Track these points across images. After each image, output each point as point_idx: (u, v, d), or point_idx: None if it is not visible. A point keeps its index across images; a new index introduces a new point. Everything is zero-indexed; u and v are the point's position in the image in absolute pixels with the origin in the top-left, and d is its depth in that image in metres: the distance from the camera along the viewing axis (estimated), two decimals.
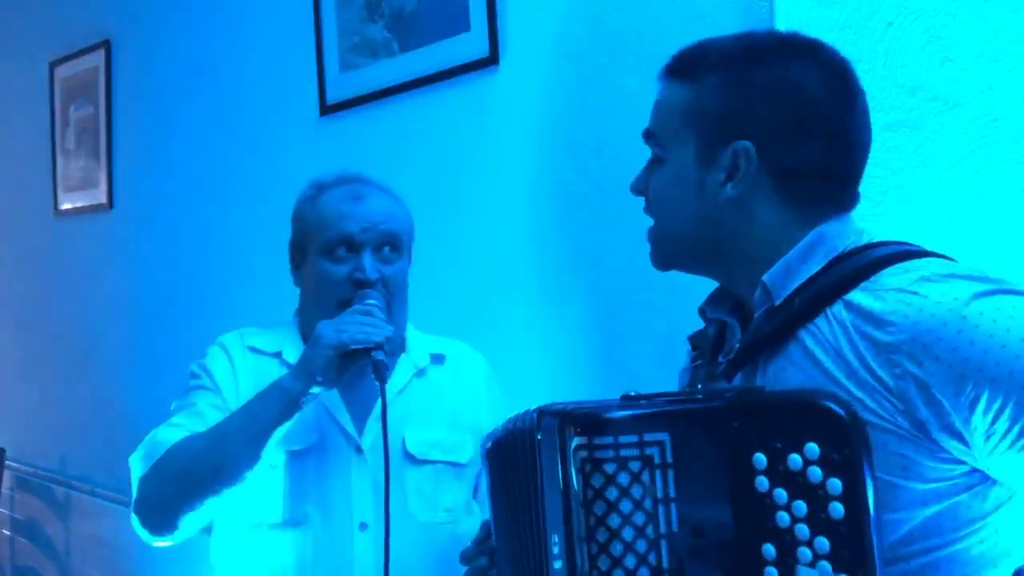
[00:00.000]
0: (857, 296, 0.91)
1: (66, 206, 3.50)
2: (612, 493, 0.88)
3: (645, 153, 1.10)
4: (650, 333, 1.72)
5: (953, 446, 0.87)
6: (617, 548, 0.87)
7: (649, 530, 0.87)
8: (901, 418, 0.87)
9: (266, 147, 2.61)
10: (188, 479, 1.38)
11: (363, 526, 1.42)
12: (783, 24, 1.53)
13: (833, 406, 0.84)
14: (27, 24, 3.77)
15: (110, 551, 3.18)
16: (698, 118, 1.02)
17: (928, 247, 0.97)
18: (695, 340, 1.15)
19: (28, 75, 3.70)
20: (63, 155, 3.50)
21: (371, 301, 1.40)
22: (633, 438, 0.88)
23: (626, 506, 0.88)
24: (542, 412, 0.96)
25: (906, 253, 0.94)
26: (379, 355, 1.32)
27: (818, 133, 0.99)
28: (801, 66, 1.01)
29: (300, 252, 1.53)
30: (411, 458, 1.45)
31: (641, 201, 1.12)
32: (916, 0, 1.40)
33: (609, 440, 0.89)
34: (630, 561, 0.87)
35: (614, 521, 0.88)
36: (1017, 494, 0.90)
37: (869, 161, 1.45)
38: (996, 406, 0.84)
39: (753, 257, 1.01)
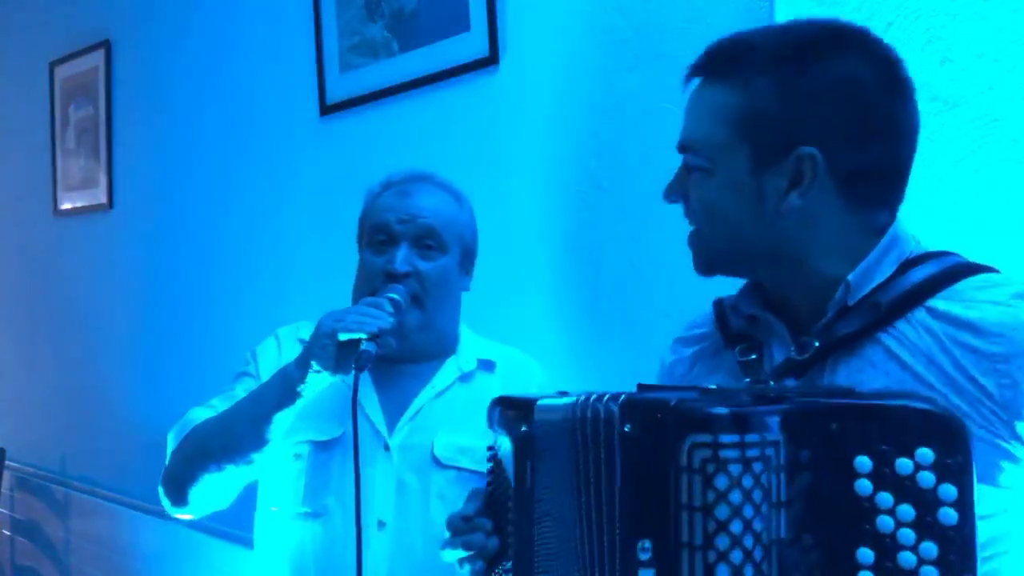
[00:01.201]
0: (942, 304, 0.92)
1: (66, 206, 3.50)
2: (736, 496, 0.80)
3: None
4: (650, 333, 1.72)
5: None
6: (737, 556, 0.80)
7: (764, 537, 0.81)
8: (1001, 427, 0.87)
9: (266, 147, 2.61)
10: (199, 456, 1.43)
11: (381, 524, 1.41)
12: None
13: (945, 411, 0.82)
14: (27, 24, 3.77)
15: (110, 551, 3.18)
16: (754, 125, 0.96)
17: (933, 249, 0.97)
18: (731, 332, 1.08)
19: (28, 75, 3.70)
20: (63, 155, 3.50)
21: (390, 294, 1.40)
22: (755, 437, 0.81)
23: (748, 511, 0.80)
24: (628, 403, 0.88)
25: (973, 265, 0.95)
26: (368, 345, 1.31)
27: (880, 130, 0.97)
28: (855, 59, 0.97)
29: (358, 243, 1.54)
30: (436, 461, 1.44)
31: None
32: (916, 0, 1.39)
33: (735, 439, 0.81)
34: (748, 571, 0.80)
35: (736, 527, 0.80)
36: None
37: None
38: None
39: (812, 261, 0.99)
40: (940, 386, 0.89)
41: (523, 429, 1.01)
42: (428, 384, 1.49)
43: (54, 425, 3.63)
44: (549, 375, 1.58)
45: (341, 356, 1.33)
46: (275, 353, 1.58)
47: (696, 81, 1.03)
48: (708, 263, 1.05)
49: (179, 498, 1.47)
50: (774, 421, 0.82)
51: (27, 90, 3.71)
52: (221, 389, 1.61)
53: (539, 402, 1.00)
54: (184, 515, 1.51)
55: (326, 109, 2.39)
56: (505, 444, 1.04)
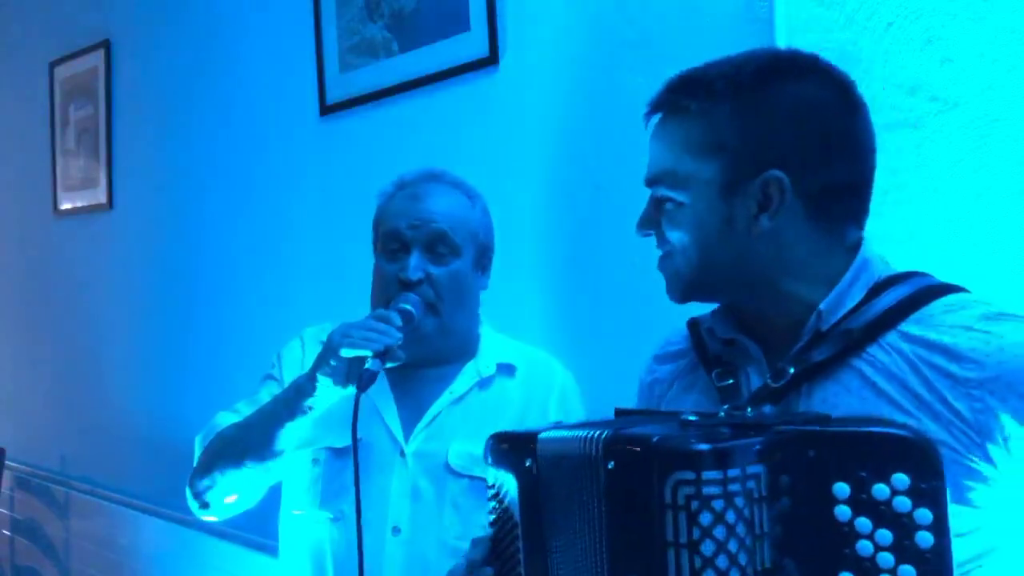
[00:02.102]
0: (914, 329, 0.94)
1: (66, 206, 3.50)
2: (720, 532, 0.81)
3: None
4: (651, 334, 1.72)
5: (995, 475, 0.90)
6: None
7: (749, 569, 0.82)
8: (975, 450, 0.89)
9: (266, 147, 2.61)
10: (219, 460, 1.46)
11: (396, 530, 1.41)
12: (783, 24, 1.53)
13: (920, 437, 0.83)
14: (27, 24, 3.77)
15: (110, 551, 3.18)
16: (718, 152, 0.99)
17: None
18: (707, 356, 1.10)
19: (28, 75, 3.70)
20: (63, 155, 3.50)
21: (402, 305, 1.40)
22: (737, 472, 0.82)
23: (733, 545, 0.81)
24: (611, 440, 0.89)
25: (940, 286, 0.98)
26: (373, 363, 1.31)
27: (841, 147, 0.99)
28: (811, 83, 1.00)
29: (373, 248, 1.53)
30: (451, 470, 1.43)
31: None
32: (916, 0, 1.39)
33: (718, 476, 0.81)
34: None
35: (722, 563, 0.81)
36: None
37: None
38: None
39: (785, 284, 1.01)
40: (914, 410, 0.91)
41: (527, 464, 1.00)
42: (446, 390, 1.48)
43: (54, 425, 3.63)
44: (571, 376, 1.57)
45: (350, 372, 1.33)
46: (299, 355, 1.57)
47: (656, 117, 1.06)
48: (683, 290, 1.06)
49: (203, 501, 1.50)
50: (753, 452, 0.83)
51: (27, 90, 3.71)
52: (247, 391, 1.62)
53: (540, 435, 1.00)
54: (209, 517, 1.54)
55: (326, 109, 2.39)
56: (509, 481, 1.03)
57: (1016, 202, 1.30)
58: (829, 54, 1.40)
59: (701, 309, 1.14)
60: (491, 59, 1.98)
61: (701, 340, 1.11)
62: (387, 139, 2.25)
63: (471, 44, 2.02)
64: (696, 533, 0.81)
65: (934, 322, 0.93)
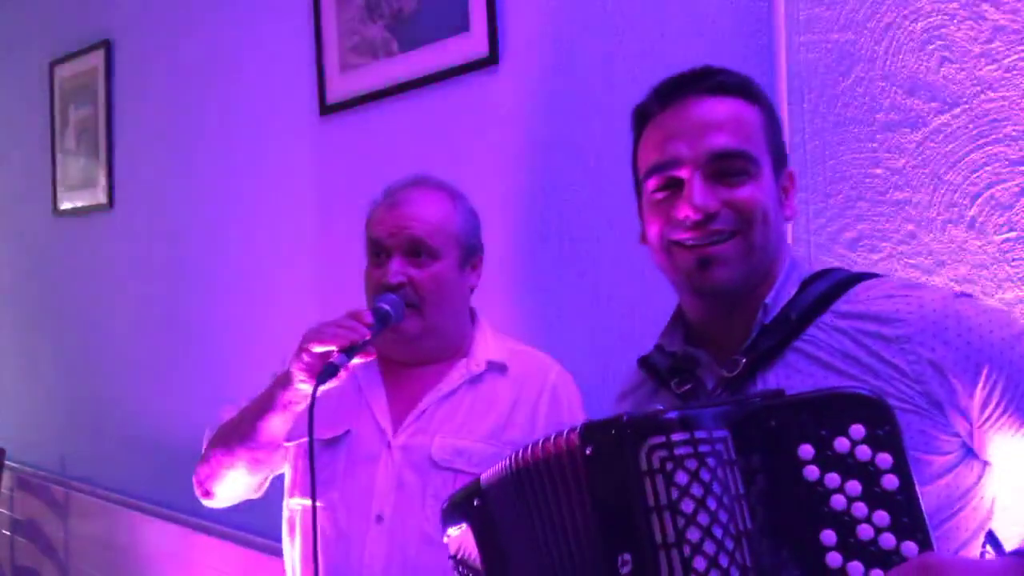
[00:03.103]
0: (845, 307, 1.05)
1: (66, 206, 3.50)
2: (697, 490, 0.85)
3: None
4: (650, 333, 1.72)
5: (958, 421, 0.98)
6: (710, 547, 0.84)
7: (731, 527, 0.85)
8: (919, 398, 0.98)
9: (266, 147, 2.61)
10: (217, 451, 1.53)
11: (379, 518, 1.45)
12: (783, 24, 1.53)
13: (865, 389, 0.90)
14: (27, 24, 3.77)
15: (110, 551, 3.18)
16: (772, 140, 1.10)
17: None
18: (664, 367, 1.16)
19: (28, 75, 3.70)
20: (63, 155, 3.50)
21: (378, 304, 1.44)
22: (704, 434, 0.87)
23: (712, 503, 0.85)
24: (586, 427, 0.93)
25: (858, 274, 1.10)
26: (338, 359, 1.34)
27: (784, 154, 1.14)
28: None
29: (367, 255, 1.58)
30: (433, 462, 1.47)
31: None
32: (916, 0, 1.39)
33: (686, 436, 0.86)
34: (723, 561, 0.84)
35: (703, 519, 0.84)
36: (994, 465, 1.01)
37: (869, 161, 1.45)
38: (992, 379, 0.97)
39: (774, 272, 1.10)
40: (860, 374, 1.00)
41: (476, 504, 1.08)
42: (435, 386, 1.52)
43: (54, 425, 3.63)
44: (569, 377, 1.57)
45: (327, 369, 1.35)
46: None
47: (677, 100, 1.10)
48: (748, 272, 1.08)
49: (205, 489, 1.56)
50: (718, 418, 0.89)
51: (27, 90, 3.72)
52: (246, 390, 1.64)
53: (482, 477, 1.08)
54: (213, 505, 1.60)
55: (326, 109, 2.39)
56: (466, 537, 1.10)
57: (1016, 202, 1.30)
58: (829, 54, 1.41)
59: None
60: (491, 59, 1.98)
61: (656, 365, 1.18)
62: (387, 139, 2.25)
63: (471, 44, 2.02)
64: (675, 493, 0.85)
65: (860, 299, 1.05)
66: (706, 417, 0.88)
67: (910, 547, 0.84)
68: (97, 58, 3.28)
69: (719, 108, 1.07)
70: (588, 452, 0.92)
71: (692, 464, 0.86)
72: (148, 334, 3.11)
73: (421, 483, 1.45)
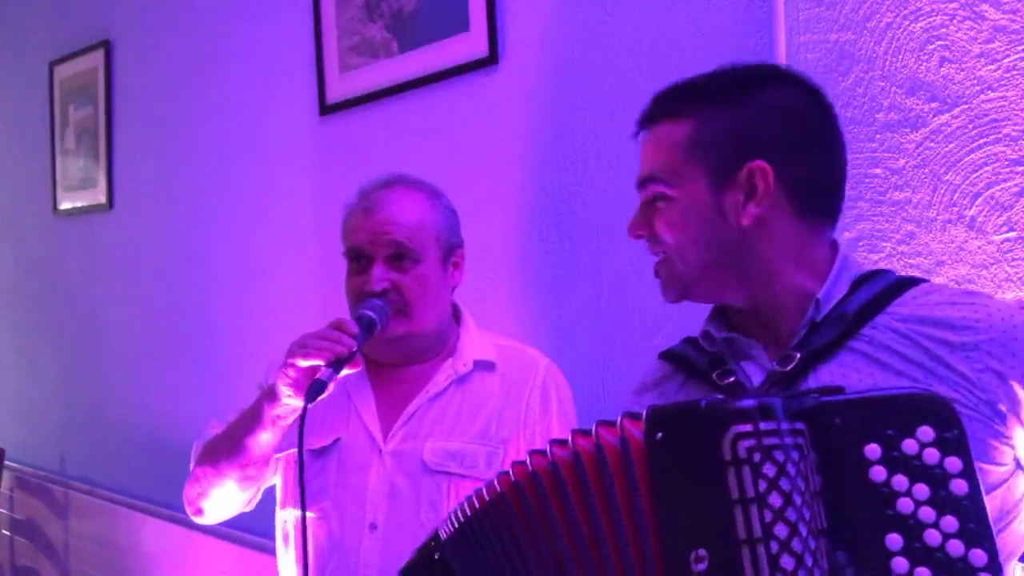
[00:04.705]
0: (903, 310, 1.01)
1: (66, 206, 3.50)
2: (785, 484, 0.80)
3: None
4: (650, 333, 1.72)
5: (1017, 433, 0.96)
6: (797, 545, 0.79)
7: (814, 525, 0.81)
8: (983, 406, 0.95)
9: (266, 147, 2.61)
10: (206, 467, 1.50)
11: (373, 527, 1.44)
12: (783, 24, 1.53)
13: (932, 392, 0.87)
14: (27, 24, 3.77)
15: (110, 551, 3.18)
16: (705, 147, 1.05)
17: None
18: (705, 359, 1.11)
19: (28, 75, 3.70)
20: (63, 155, 3.50)
21: (361, 311, 1.42)
22: (787, 425, 0.82)
23: (797, 498, 0.80)
24: (653, 411, 0.87)
25: (912, 279, 1.06)
26: (325, 375, 1.31)
27: (817, 145, 1.06)
28: (789, 87, 1.08)
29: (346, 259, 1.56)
30: (426, 467, 1.45)
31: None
32: (916, 0, 1.39)
33: (773, 426, 0.81)
34: (808, 561, 0.79)
35: (791, 515, 0.79)
36: None
37: (869, 161, 1.45)
38: None
39: (787, 272, 1.06)
40: (922, 377, 0.96)
41: (436, 557, 1.06)
42: (423, 388, 1.50)
43: (54, 425, 3.63)
44: (559, 372, 1.56)
45: (316, 385, 1.32)
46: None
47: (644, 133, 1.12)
48: (680, 288, 1.09)
49: (196, 508, 1.54)
50: (792, 410, 0.84)
51: (27, 90, 3.71)
52: (246, 391, 1.62)
53: (438, 532, 1.08)
54: (205, 522, 1.58)
55: (326, 109, 2.39)
56: None
57: (1016, 202, 1.30)
58: (829, 54, 1.41)
59: (696, 309, 1.14)
60: (491, 59, 1.98)
61: (686, 356, 1.14)
62: (387, 139, 2.25)
63: (471, 44, 2.02)
64: (763, 485, 0.80)
65: (919, 303, 1.01)
66: (782, 408, 0.83)
67: (978, 555, 0.81)
68: (97, 58, 3.28)
69: None
70: (659, 437, 0.87)
71: (780, 456, 0.81)
72: (148, 334, 3.10)
73: (414, 489, 1.44)
